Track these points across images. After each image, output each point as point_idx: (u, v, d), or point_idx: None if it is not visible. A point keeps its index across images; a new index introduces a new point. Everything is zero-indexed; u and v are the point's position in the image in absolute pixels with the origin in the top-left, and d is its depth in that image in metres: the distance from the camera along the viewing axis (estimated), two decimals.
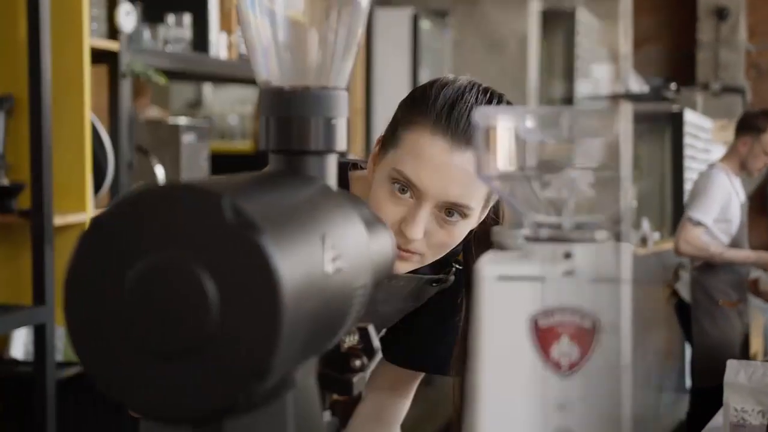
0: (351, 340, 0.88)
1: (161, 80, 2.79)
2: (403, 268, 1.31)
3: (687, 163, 7.25)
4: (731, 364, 2.03)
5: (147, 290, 0.63)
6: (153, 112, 4.79)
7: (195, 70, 3.22)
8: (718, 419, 2.18)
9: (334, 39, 0.84)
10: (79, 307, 0.65)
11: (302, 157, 0.82)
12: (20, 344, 2.71)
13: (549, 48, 7.24)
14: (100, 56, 2.69)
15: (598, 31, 8.09)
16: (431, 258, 1.31)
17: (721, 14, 9.30)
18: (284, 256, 0.64)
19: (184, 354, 0.63)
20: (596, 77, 5.63)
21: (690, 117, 7.24)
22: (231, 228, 0.62)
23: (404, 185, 1.26)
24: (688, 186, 7.37)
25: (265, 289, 0.62)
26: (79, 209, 2.56)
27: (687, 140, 7.19)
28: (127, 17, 2.69)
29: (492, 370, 0.71)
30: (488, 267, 0.71)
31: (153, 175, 2.92)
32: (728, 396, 1.95)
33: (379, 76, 5.00)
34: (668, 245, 6.67)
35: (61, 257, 2.48)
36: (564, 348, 0.70)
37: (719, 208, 4.41)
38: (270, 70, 0.84)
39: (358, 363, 0.89)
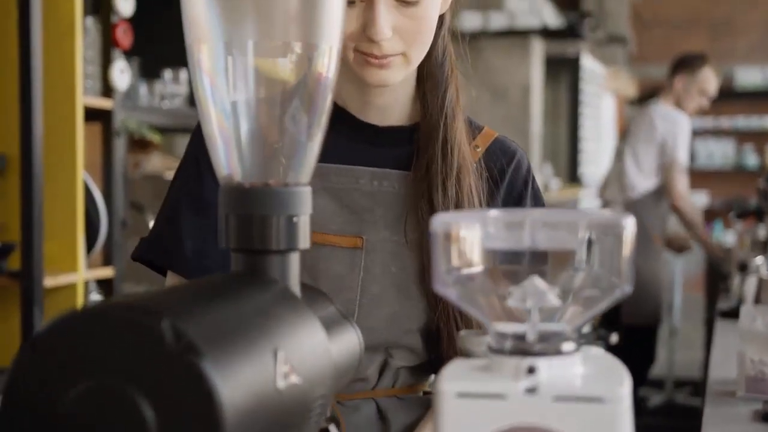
0: None
1: (155, 138, 2.78)
2: (392, 76, 1.21)
3: (581, 109, 7.29)
4: (746, 310, 1.84)
5: (83, 416, 0.60)
6: (156, 160, 4.79)
7: (191, 126, 3.20)
8: (730, 371, 1.93)
9: (296, 135, 0.82)
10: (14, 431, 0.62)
11: (263, 256, 0.79)
12: None
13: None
14: (94, 114, 2.68)
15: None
16: (416, 56, 1.21)
17: None
18: (229, 379, 0.61)
19: None
20: (511, 8, 5.57)
21: (586, 62, 7.27)
22: (171, 352, 0.60)
23: None
24: (582, 133, 7.40)
25: (207, 417, 0.59)
26: (71, 270, 2.53)
27: (582, 86, 7.22)
28: (122, 75, 2.68)
29: None
30: (448, 383, 0.68)
31: (147, 231, 2.90)
32: (744, 346, 1.75)
33: None
34: (570, 193, 6.66)
35: None
36: None
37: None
38: (231, 165, 0.81)
39: None
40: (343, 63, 1.22)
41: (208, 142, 0.81)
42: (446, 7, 1.27)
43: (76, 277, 2.56)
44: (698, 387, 5.32)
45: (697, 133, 10.15)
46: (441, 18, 1.27)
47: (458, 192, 1.24)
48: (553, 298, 0.70)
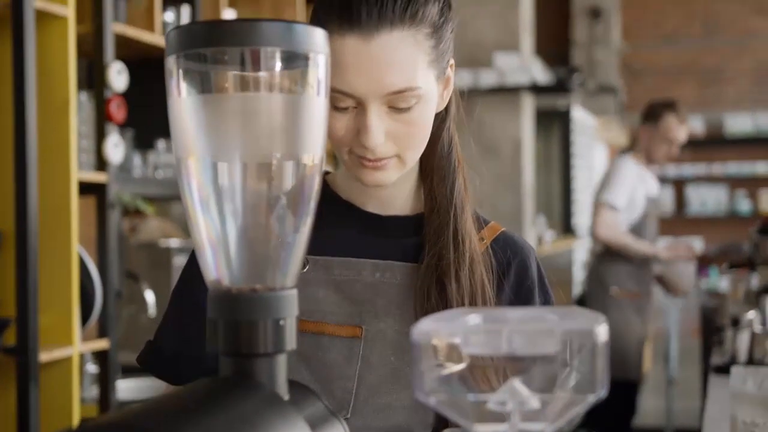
0: None
1: (148, 209, 2.81)
2: (387, 177, 1.21)
3: (573, 160, 7.34)
4: (736, 371, 1.84)
5: None
6: (153, 224, 4.81)
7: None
8: (724, 430, 1.92)
9: (282, 241, 0.84)
10: None
11: (251, 360, 0.82)
12: None
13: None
14: (88, 187, 2.71)
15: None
16: (410, 157, 1.21)
17: (595, 14, 9.53)
18: None
19: None
20: (501, 66, 5.65)
21: (577, 114, 7.35)
22: None
23: (339, 100, 1.16)
24: (575, 184, 7.45)
25: None
26: (66, 343, 2.55)
27: (573, 137, 7.28)
28: (116, 149, 2.72)
29: None
30: None
31: (143, 301, 2.92)
32: (735, 407, 1.77)
33: None
34: (564, 244, 6.69)
35: (47, 395, 2.46)
36: None
37: (628, 194, 4.49)
38: (219, 271, 0.84)
39: None
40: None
41: (196, 248, 0.84)
42: (443, 104, 1.27)
43: (72, 350, 2.57)
44: None
45: (689, 180, 10.25)
46: (446, 110, 1.29)
47: (472, 282, 1.24)
48: (533, 401, 0.73)
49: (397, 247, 1.29)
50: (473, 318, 0.75)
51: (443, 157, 1.30)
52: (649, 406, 6.77)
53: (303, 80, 0.82)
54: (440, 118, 1.27)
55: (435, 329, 0.72)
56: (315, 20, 1.19)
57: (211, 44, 0.81)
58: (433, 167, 1.30)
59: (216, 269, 0.84)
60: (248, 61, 0.81)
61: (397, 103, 1.17)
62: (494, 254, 1.30)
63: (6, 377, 2.49)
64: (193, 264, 1.31)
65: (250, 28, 0.80)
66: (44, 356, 2.46)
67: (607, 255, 4.53)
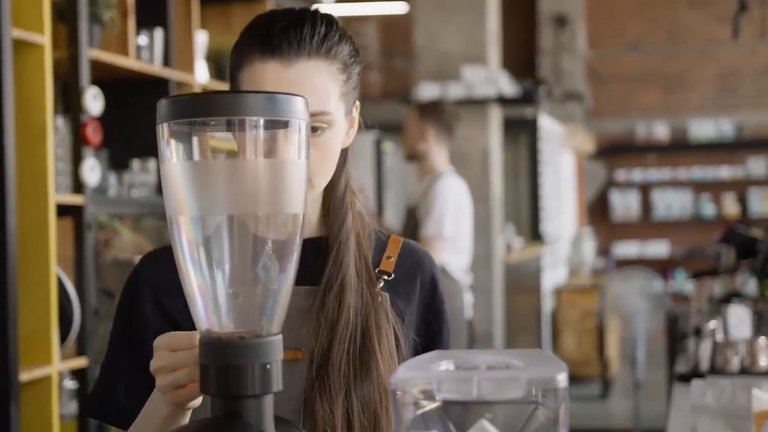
0: None
1: (124, 230, 2.87)
2: None
3: (540, 168, 7.49)
4: (697, 384, 1.89)
5: None
6: (127, 238, 4.83)
7: (160, 212, 3.29)
8: None
9: (267, 289, 0.91)
10: None
11: (240, 401, 0.89)
12: None
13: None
14: (65, 209, 2.76)
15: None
16: (319, 183, 1.27)
17: (560, 22, 9.67)
18: None
19: None
20: (469, 79, 5.69)
21: (543, 122, 7.50)
22: None
23: None
24: (542, 191, 7.57)
25: None
26: (45, 362, 2.60)
27: (540, 145, 7.43)
28: (92, 172, 2.77)
29: None
30: None
31: None
32: (696, 420, 1.83)
33: None
34: (532, 251, 6.77)
35: (27, 414, 2.51)
36: None
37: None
38: (210, 320, 0.91)
39: None
40: None
41: (188, 300, 0.91)
42: (349, 141, 1.34)
43: (51, 369, 2.62)
44: None
45: (655, 185, 10.41)
46: (345, 152, 1.34)
47: (336, 308, 1.29)
48: None
49: (304, 271, 1.33)
50: (446, 364, 0.82)
51: (339, 199, 1.34)
52: (617, 408, 6.87)
53: (284, 144, 0.89)
54: (343, 159, 1.34)
55: (411, 378, 0.80)
56: (238, 50, 1.28)
57: (198, 114, 0.87)
58: (331, 208, 1.34)
59: (207, 318, 0.91)
60: (234, 129, 0.88)
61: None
62: (400, 266, 1.37)
63: None
64: (127, 299, 1.32)
65: (235, 100, 0.87)
66: (24, 376, 2.51)
67: None
